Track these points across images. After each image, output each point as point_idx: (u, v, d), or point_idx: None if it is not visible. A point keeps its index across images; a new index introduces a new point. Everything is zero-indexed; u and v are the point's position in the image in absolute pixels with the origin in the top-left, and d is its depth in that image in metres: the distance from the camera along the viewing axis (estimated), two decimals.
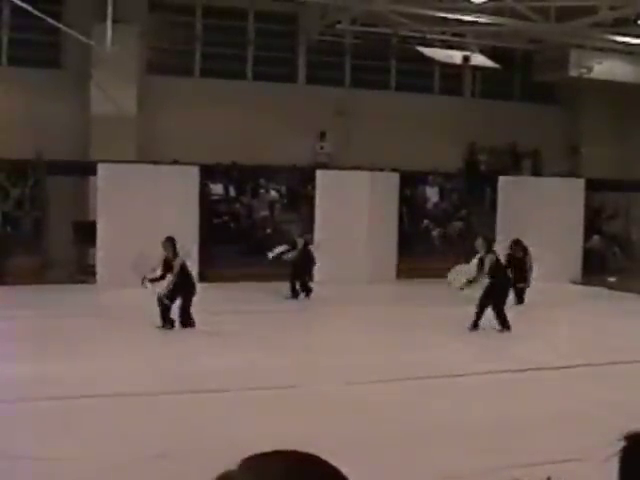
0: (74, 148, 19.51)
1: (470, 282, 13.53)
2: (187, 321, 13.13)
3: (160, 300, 13.00)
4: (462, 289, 13.64)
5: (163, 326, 13.05)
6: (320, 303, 16.69)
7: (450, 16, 19.47)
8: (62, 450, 7.18)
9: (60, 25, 18.00)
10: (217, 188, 21.50)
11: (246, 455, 1.28)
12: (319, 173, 19.93)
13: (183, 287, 13.12)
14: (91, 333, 12.85)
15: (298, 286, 17.07)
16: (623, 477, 1.61)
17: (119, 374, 10.09)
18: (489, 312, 13.54)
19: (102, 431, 7.87)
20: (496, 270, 13.74)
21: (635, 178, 22.91)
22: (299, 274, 17.09)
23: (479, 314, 13.58)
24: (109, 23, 17.48)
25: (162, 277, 13.13)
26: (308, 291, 17.12)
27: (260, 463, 1.24)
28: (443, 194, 23.82)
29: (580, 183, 21.74)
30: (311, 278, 17.31)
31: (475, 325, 13.61)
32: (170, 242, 13.30)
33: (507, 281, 14.38)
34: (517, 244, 16.82)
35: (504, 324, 13.53)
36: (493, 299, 13.62)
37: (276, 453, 1.26)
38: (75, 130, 19.67)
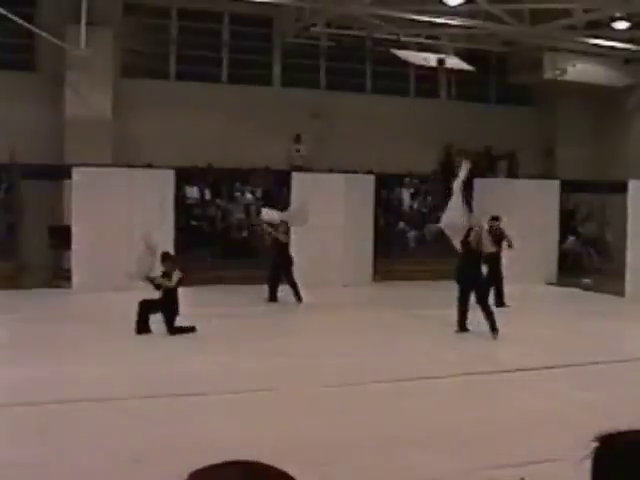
0: (48, 151, 19.34)
1: None
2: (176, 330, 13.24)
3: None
4: None
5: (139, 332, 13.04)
6: (296, 306, 16.65)
7: (425, 19, 19.50)
8: (37, 455, 7.12)
9: (33, 27, 17.85)
10: (193, 191, 21.40)
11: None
12: (295, 175, 19.89)
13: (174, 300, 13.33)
14: (67, 338, 12.75)
15: (293, 291, 16.75)
16: (595, 478, 1.61)
17: (95, 379, 10.01)
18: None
19: (77, 436, 7.81)
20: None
21: (610, 179, 23.07)
22: (278, 276, 16.94)
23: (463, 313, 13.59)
24: (83, 25, 17.37)
25: (157, 287, 13.22)
26: (299, 296, 16.73)
27: (207, 476, 1.23)
28: (419, 196, 23.86)
29: (555, 185, 21.88)
30: (290, 279, 16.86)
31: (462, 326, 13.63)
32: (167, 258, 13.57)
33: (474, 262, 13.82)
34: (495, 219, 16.79)
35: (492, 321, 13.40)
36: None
37: (223, 465, 1.25)
38: (49, 133, 19.50)
